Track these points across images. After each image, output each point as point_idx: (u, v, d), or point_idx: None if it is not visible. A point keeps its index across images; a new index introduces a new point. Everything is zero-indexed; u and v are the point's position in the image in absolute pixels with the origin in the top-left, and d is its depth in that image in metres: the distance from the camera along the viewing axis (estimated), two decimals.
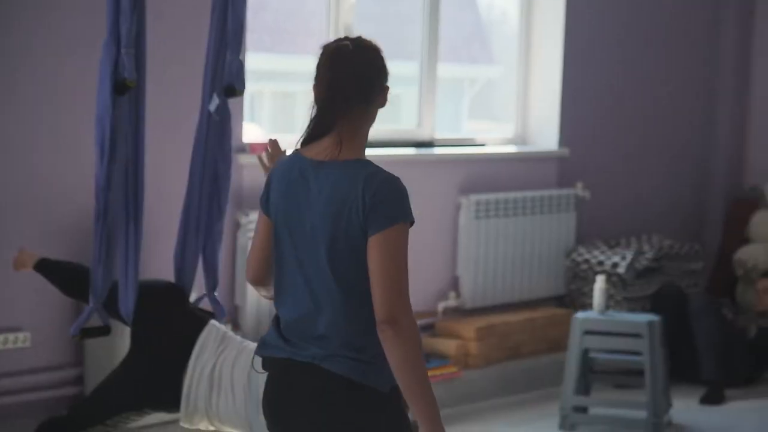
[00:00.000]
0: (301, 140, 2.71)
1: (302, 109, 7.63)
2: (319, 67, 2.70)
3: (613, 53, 7.24)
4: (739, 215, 7.79)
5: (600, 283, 5.82)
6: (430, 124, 6.43)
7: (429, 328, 6.21)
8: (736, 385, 6.62)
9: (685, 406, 6.12)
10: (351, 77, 2.66)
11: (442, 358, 5.98)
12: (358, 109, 2.68)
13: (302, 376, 2.67)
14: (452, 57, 6.71)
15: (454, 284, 6.40)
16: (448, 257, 6.33)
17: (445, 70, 6.62)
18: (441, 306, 6.29)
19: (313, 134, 2.69)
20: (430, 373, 5.84)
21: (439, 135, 6.49)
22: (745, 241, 7.68)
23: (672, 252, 7.15)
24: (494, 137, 6.93)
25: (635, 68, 7.40)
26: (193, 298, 4.06)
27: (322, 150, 2.68)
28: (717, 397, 6.38)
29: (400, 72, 7.32)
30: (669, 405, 5.76)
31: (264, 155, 3.36)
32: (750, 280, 7.40)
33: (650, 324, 5.67)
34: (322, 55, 2.71)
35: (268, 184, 2.78)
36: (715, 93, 7.93)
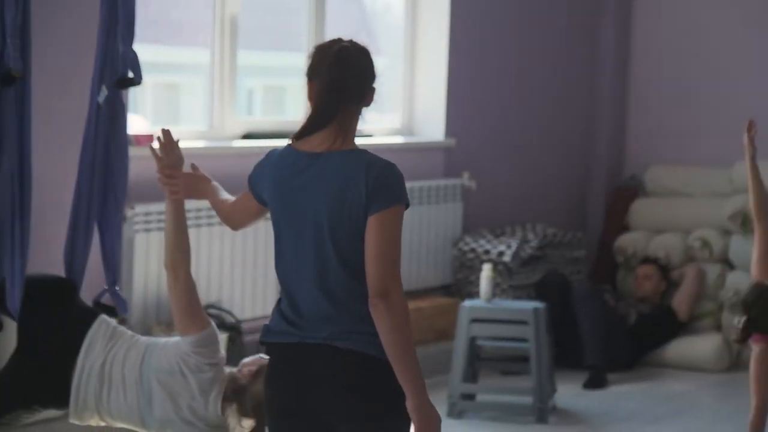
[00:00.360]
0: (296, 135, 2.87)
1: (187, 100, 7.56)
2: (319, 65, 2.85)
3: (498, 44, 7.34)
4: (620, 204, 7.97)
5: (486, 271, 5.91)
6: None
7: None
8: (618, 370, 6.79)
9: (569, 391, 6.25)
10: (353, 77, 2.84)
11: None
12: (352, 105, 2.86)
13: (318, 356, 2.80)
14: None
15: None
16: None
17: None
18: None
19: (311, 129, 2.84)
20: None
21: None
22: (626, 229, 7.87)
23: (556, 240, 7.29)
24: (381, 128, 6.97)
25: (520, 59, 7.52)
26: (90, 292, 4.01)
27: (317, 144, 2.84)
28: (599, 382, 6.54)
29: (287, 63, 7.31)
30: (554, 390, 5.88)
31: (156, 145, 3.35)
32: (630, 267, 7.58)
33: (535, 311, 5.78)
34: (319, 54, 2.87)
35: (261, 174, 2.91)
36: (596, 84, 8.10)
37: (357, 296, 2.79)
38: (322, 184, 2.80)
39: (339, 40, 2.88)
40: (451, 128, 7.03)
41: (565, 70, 7.89)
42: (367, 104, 2.90)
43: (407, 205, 2.83)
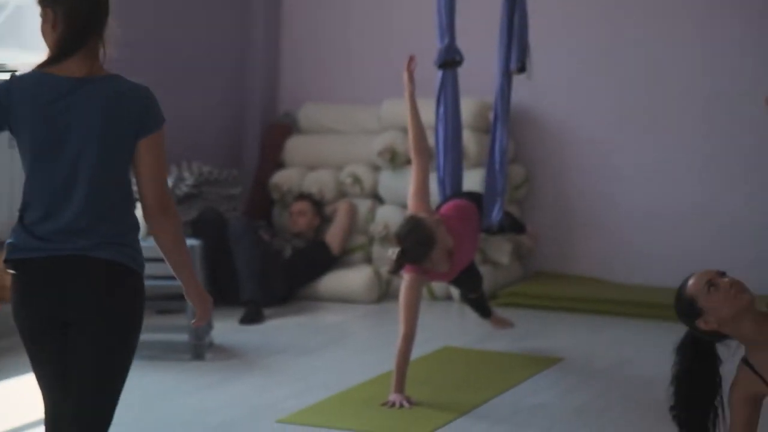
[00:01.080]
0: (48, 60, 2.95)
1: None
2: None
3: None
4: (274, 141, 8.05)
5: (140, 210, 5.81)
6: None
7: None
8: (274, 304, 6.91)
9: (226, 327, 6.31)
10: (100, 4, 3.00)
11: None
12: (100, 30, 3.00)
13: (70, 267, 2.92)
14: None
15: None
16: None
17: None
18: None
19: (64, 53, 2.94)
20: None
21: None
22: (281, 165, 7.97)
23: (211, 178, 7.29)
24: (27, 64, 6.68)
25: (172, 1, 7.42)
26: None
27: (75, 69, 2.95)
28: (256, 317, 6.63)
29: None
30: (210, 327, 5.91)
31: None
32: (285, 204, 7.70)
33: (191, 249, 5.76)
34: None
35: (5, 96, 2.97)
36: (248, 23, 8.11)
37: (115, 211, 2.99)
38: (90, 106, 2.93)
39: None
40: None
41: (218, 9, 7.85)
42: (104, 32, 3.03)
43: None
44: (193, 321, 3.23)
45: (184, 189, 6.93)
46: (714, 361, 3.35)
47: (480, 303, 6.02)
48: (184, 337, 5.74)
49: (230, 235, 6.93)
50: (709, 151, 7.37)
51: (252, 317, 6.61)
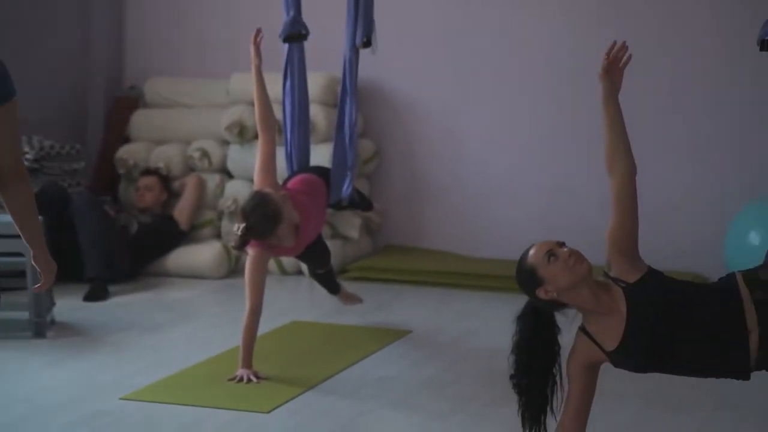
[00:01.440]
0: None
1: None
2: None
3: None
4: (120, 114, 7.90)
5: None
6: None
7: None
8: (119, 281, 6.79)
9: (69, 304, 6.18)
10: None
11: None
12: None
13: None
14: None
15: None
16: None
17: None
18: None
19: None
20: None
21: None
22: (127, 140, 7.83)
23: (53, 152, 7.11)
24: None
25: None
26: None
27: None
28: (100, 293, 6.50)
29: None
30: (53, 304, 5.78)
31: None
32: (132, 179, 7.57)
33: None
34: None
35: None
36: None
37: None
38: None
39: None
40: None
41: None
42: None
43: None
44: (36, 286, 3.31)
45: (24, 163, 6.74)
46: (553, 329, 3.41)
47: (328, 279, 6.01)
48: (24, 314, 5.59)
49: (74, 210, 6.77)
50: (555, 122, 7.48)
51: (96, 294, 6.48)
